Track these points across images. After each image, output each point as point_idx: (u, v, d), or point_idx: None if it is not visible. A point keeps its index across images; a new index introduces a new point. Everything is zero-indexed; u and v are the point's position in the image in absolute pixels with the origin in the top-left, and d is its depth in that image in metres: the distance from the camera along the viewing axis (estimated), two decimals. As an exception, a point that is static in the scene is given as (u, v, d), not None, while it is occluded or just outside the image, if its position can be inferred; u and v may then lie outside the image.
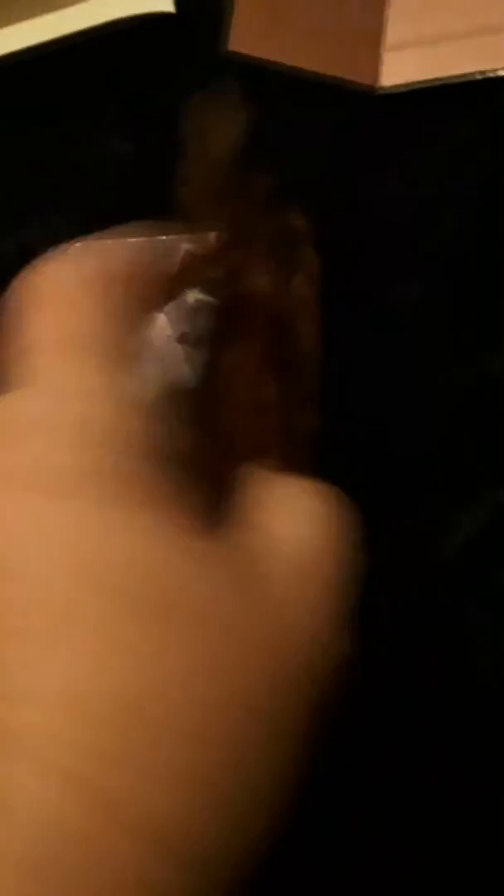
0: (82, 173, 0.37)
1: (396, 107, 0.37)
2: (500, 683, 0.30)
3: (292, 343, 0.25)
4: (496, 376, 0.33)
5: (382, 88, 0.38)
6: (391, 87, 0.38)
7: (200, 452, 0.18)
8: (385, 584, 0.30)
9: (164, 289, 0.23)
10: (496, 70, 0.37)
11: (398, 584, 0.31)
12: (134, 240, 0.24)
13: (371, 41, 0.38)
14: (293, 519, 0.17)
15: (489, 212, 0.36)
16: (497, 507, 0.31)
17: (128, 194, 0.37)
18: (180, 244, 0.25)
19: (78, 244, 0.35)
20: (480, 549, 0.31)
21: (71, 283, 0.20)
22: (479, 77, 0.37)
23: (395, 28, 0.39)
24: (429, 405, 0.33)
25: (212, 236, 0.24)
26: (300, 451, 0.22)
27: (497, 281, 0.34)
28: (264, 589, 0.16)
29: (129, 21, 0.36)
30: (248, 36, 0.37)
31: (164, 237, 0.25)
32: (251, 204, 0.28)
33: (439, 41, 0.38)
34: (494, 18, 0.38)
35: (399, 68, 0.38)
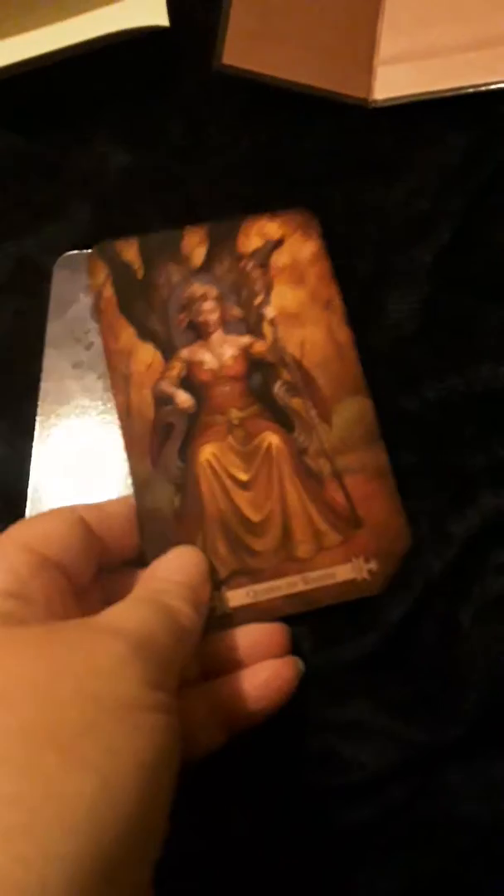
0: (79, 184, 0.37)
1: (389, 120, 0.38)
2: (493, 689, 0.30)
3: None
4: (487, 384, 0.33)
5: (375, 102, 0.38)
6: (384, 101, 0.38)
7: None
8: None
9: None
10: (488, 84, 0.37)
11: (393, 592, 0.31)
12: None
13: (364, 55, 0.39)
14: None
15: (482, 225, 0.36)
16: (493, 511, 0.32)
17: (124, 205, 0.37)
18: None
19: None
20: (475, 554, 0.31)
21: None
22: (471, 91, 0.37)
23: (388, 42, 0.39)
24: (421, 412, 0.33)
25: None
26: None
27: (489, 292, 0.35)
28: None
29: (125, 35, 0.36)
30: (241, 50, 0.36)
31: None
32: None
33: (432, 55, 0.38)
34: (487, 32, 0.38)
35: (392, 82, 0.38)
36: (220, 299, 0.34)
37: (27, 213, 0.37)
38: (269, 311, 0.33)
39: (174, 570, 0.28)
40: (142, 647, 0.23)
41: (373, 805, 0.29)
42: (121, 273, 0.33)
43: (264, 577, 0.30)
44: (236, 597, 0.30)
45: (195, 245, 0.34)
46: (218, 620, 0.29)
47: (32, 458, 0.33)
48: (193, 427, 0.32)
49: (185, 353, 0.33)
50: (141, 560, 0.30)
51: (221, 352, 0.33)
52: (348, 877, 0.29)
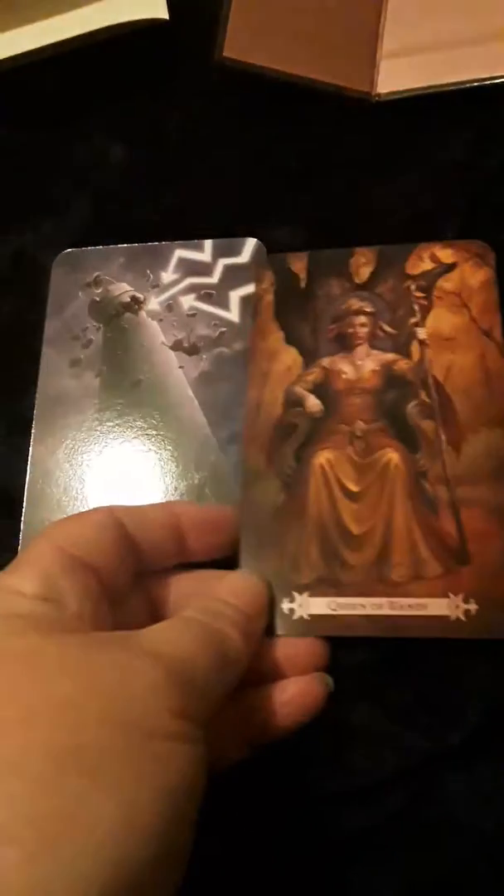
0: (76, 179, 0.37)
1: (392, 114, 0.36)
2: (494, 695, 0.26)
3: None
4: None
5: (379, 96, 0.37)
6: (387, 95, 0.36)
7: None
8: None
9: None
10: (493, 78, 0.35)
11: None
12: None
13: (367, 48, 0.37)
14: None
15: (485, 221, 0.33)
16: None
17: (123, 200, 0.37)
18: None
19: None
20: None
21: None
22: (475, 85, 0.35)
23: (392, 36, 0.38)
24: None
25: None
26: None
27: None
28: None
29: (125, 28, 0.36)
30: (242, 42, 0.36)
31: None
32: None
33: (435, 49, 0.36)
34: (491, 26, 0.36)
35: (395, 76, 0.36)
36: (374, 315, 0.33)
37: (25, 208, 0.37)
38: (422, 332, 0.32)
39: (234, 593, 0.27)
40: (179, 674, 0.22)
41: (372, 810, 0.27)
42: (285, 281, 0.35)
43: (350, 592, 0.28)
44: (317, 605, 0.29)
45: (362, 264, 0.34)
46: (293, 624, 0.28)
47: (30, 456, 0.33)
48: (317, 432, 0.31)
49: (325, 361, 0.33)
50: (233, 553, 0.30)
51: (362, 364, 0.32)
52: (346, 882, 0.26)
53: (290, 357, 0.33)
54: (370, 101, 0.37)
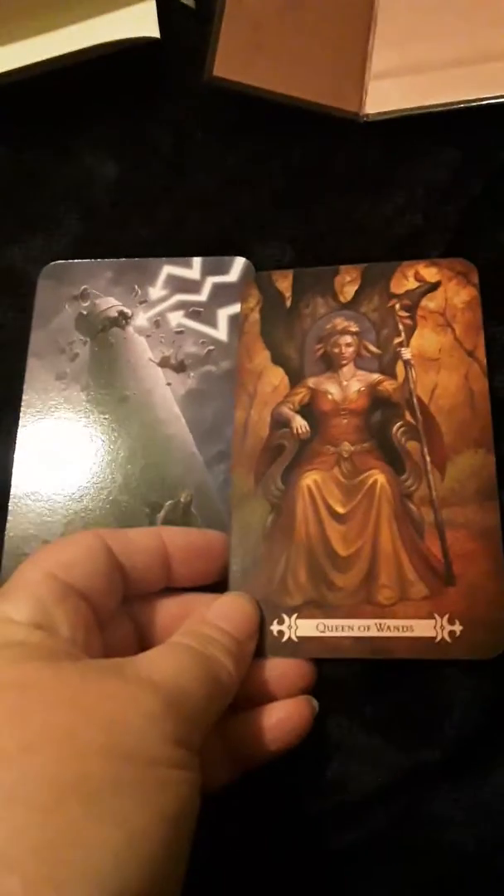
0: (67, 195, 0.38)
1: (380, 135, 0.36)
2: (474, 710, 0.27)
3: None
4: None
5: (367, 116, 0.37)
6: (375, 115, 0.37)
7: None
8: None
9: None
10: (480, 99, 0.35)
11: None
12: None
13: (355, 69, 0.37)
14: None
15: (472, 241, 0.34)
16: None
17: (112, 217, 0.37)
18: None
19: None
20: None
21: None
22: (462, 106, 0.35)
23: (380, 56, 0.38)
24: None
25: None
26: None
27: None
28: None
29: (116, 46, 0.36)
30: (232, 62, 0.36)
31: None
32: None
33: (424, 70, 0.37)
34: (478, 48, 0.36)
35: (383, 96, 0.37)
36: (359, 335, 0.34)
37: (14, 223, 0.37)
38: (406, 353, 0.33)
39: (225, 618, 0.27)
40: (175, 703, 0.22)
41: (355, 828, 0.27)
42: (270, 300, 0.35)
43: (338, 614, 0.29)
44: (305, 627, 0.29)
45: (347, 282, 0.35)
46: (282, 647, 0.29)
47: (14, 469, 0.33)
48: (303, 453, 0.32)
49: (311, 381, 0.33)
50: (222, 574, 0.30)
51: (348, 385, 0.33)
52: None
53: (276, 377, 0.33)
54: (358, 122, 0.37)
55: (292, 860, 0.28)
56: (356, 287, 0.34)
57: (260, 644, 0.29)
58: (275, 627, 0.29)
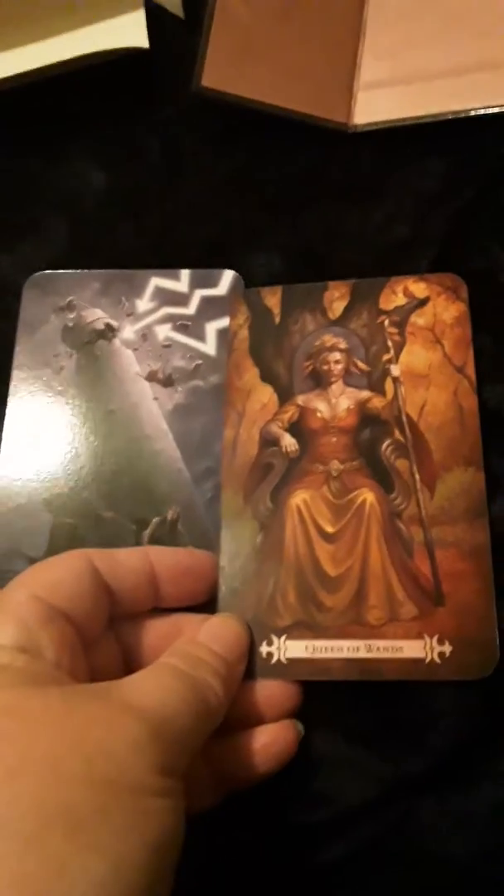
0: (55, 203, 0.38)
1: (369, 145, 0.36)
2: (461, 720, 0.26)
3: None
4: None
5: (355, 127, 0.37)
6: (364, 126, 0.37)
7: None
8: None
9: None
10: (468, 110, 0.35)
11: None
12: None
13: (344, 79, 0.37)
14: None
15: (462, 251, 0.34)
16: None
17: (100, 226, 0.37)
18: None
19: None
20: None
21: None
22: (451, 117, 0.35)
23: (369, 66, 0.38)
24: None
25: None
26: None
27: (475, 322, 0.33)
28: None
29: (105, 55, 0.36)
30: (221, 72, 0.36)
31: None
32: None
33: (413, 81, 0.37)
34: (468, 59, 0.36)
35: (372, 107, 0.37)
36: (348, 352, 0.33)
37: (2, 230, 0.37)
38: (395, 369, 0.33)
39: (214, 639, 0.27)
40: (162, 730, 0.22)
41: (343, 841, 0.27)
42: (259, 317, 0.35)
43: (327, 635, 0.29)
44: (294, 648, 0.29)
45: (336, 298, 0.34)
46: (271, 669, 0.29)
47: None
48: (292, 471, 0.32)
49: (300, 399, 0.33)
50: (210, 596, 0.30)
51: (337, 402, 0.33)
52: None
53: (265, 395, 0.33)
54: (347, 132, 0.37)
55: (280, 873, 0.28)
56: (345, 303, 0.34)
57: (249, 665, 0.29)
58: (264, 649, 0.29)
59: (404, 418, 0.32)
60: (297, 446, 0.32)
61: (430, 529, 0.30)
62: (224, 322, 0.35)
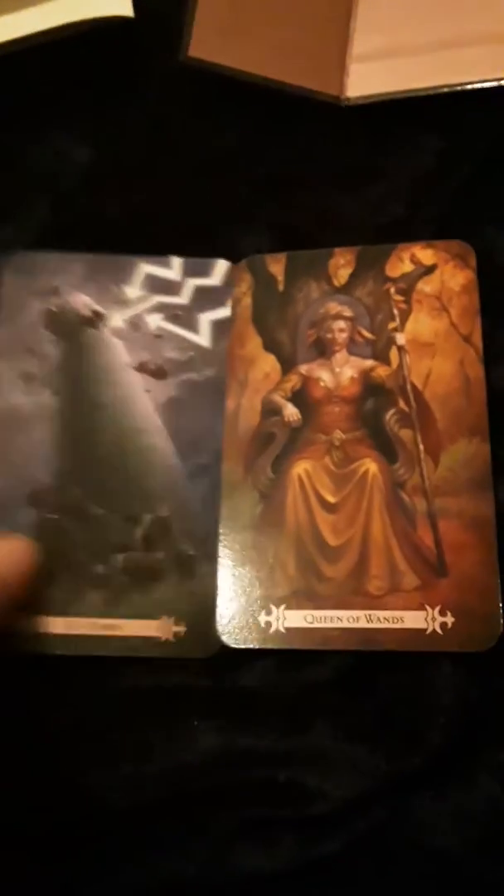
0: (39, 181, 0.36)
1: (362, 119, 0.35)
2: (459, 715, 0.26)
3: None
4: None
5: (348, 100, 0.36)
6: (357, 99, 0.35)
7: None
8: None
9: None
10: (464, 84, 0.34)
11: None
12: None
13: (337, 51, 0.36)
14: None
15: (458, 227, 0.33)
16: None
17: (85, 203, 0.35)
18: None
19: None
20: None
21: None
22: (446, 91, 0.34)
23: (362, 39, 0.36)
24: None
25: None
26: None
27: None
28: None
29: (88, 24, 0.35)
30: (209, 42, 0.34)
31: None
32: None
33: (407, 53, 0.35)
34: (463, 31, 0.35)
35: (365, 80, 0.36)
36: (353, 320, 0.33)
37: None
38: (401, 338, 0.32)
39: None
40: None
41: (339, 836, 0.27)
42: (263, 285, 0.34)
43: (327, 605, 0.28)
44: (293, 618, 0.29)
45: (341, 265, 0.34)
46: (270, 637, 0.28)
47: None
48: (294, 441, 0.31)
49: (303, 368, 0.32)
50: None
51: (341, 371, 0.32)
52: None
53: (268, 364, 0.33)
54: (340, 106, 0.36)
55: (276, 868, 0.27)
56: (350, 270, 0.34)
57: (245, 635, 0.28)
58: (262, 618, 0.29)
59: (409, 388, 0.31)
60: (299, 416, 0.32)
61: (433, 500, 0.29)
62: (218, 313, 0.34)
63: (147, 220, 0.36)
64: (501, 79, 0.34)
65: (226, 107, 0.37)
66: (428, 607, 0.28)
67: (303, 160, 0.36)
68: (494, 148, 0.35)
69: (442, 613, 0.28)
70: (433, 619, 0.28)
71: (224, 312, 0.34)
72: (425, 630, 0.27)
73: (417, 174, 0.35)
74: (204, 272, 0.34)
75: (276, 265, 0.34)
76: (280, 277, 0.34)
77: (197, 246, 0.34)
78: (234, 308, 0.34)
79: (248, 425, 0.32)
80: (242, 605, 0.29)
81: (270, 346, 0.33)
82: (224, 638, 0.28)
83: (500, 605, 0.27)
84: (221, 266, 0.34)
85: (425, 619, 0.28)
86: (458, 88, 0.34)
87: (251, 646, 0.28)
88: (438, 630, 0.27)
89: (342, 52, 0.37)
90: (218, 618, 0.29)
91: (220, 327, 0.34)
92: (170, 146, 0.37)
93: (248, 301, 0.34)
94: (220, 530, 0.30)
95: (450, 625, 0.27)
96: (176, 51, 0.35)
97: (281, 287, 0.34)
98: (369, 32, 0.37)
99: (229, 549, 0.30)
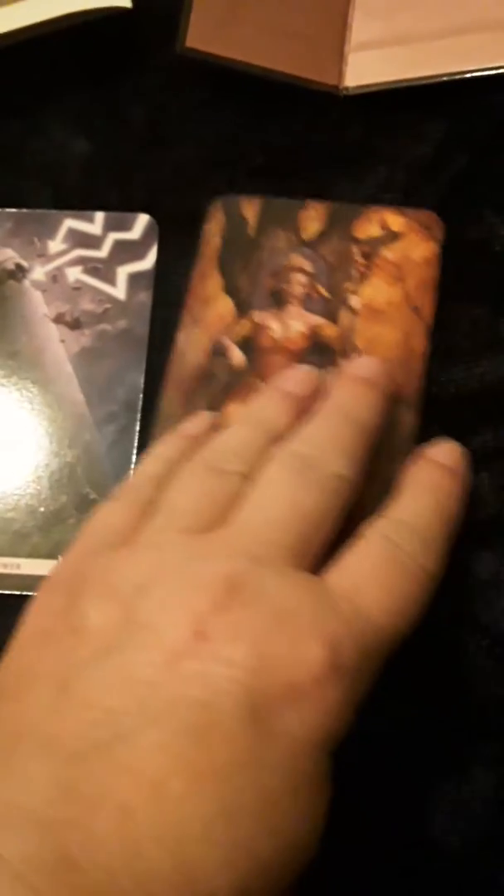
0: (37, 172, 0.36)
1: (361, 109, 0.35)
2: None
3: None
4: (457, 387, 0.31)
5: (346, 89, 0.36)
6: (355, 89, 0.35)
7: None
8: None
9: None
10: (464, 72, 0.34)
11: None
12: None
13: (335, 40, 0.36)
14: None
15: (456, 217, 0.33)
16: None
17: (84, 194, 0.36)
18: None
19: None
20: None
21: None
22: (446, 79, 0.34)
23: (360, 28, 0.36)
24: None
25: None
26: None
27: (462, 291, 0.32)
28: None
29: (85, 16, 0.35)
30: (206, 33, 0.34)
31: None
32: None
33: (406, 42, 0.35)
34: (463, 19, 0.35)
35: (364, 69, 0.35)
36: (312, 276, 0.33)
37: None
38: (355, 301, 0.33)
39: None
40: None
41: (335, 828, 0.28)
42: (234, 227, 0.35)
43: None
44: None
45: (312, 219, 0.34)
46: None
47: None
48: (233, 384, 0.32)
49: (257, 315, 0.33)
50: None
51: (291, 324, 0.33)
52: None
53: (224, 306, 0.34)
54: (338, 95, 0.36)
55: None
56: (319, 226, 0.34)
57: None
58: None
59: (351, 351, 0.32)
60: (244, 360, 0.33)
61: (353, 462, 0.30)
62: (136, 266, 0.34)
63: (144, 208, 0.36)
64: (501, 67, 0.34)
65: (223, 97, 0.37)
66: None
67: (299, 148, 0.36)
68: (495, 136, 0.35)
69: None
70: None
71: (142, 266, 0.35)
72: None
73: (415, 163, 0.35)
74: (125, 226, 0.35)
75: (250, 209, 0.35)
76: (252, 222, 0.35)
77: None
78: (201, 246, 0.35)
79: (195, 363, 0.33)
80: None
81: (230, 289, 0.34)
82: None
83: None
84: (142, 220, 0.35)
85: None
86: (459, 77, 0.34)
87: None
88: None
89: (340, 41, 0.37)
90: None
91: (136, 280, 0.34)
92: (167, 137, 0.37)
93: (216, 241, 0.35)
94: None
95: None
96: (174, 42, 0.35)
97: (251, 232, 0.35)
98: (368, 21, 0.37)
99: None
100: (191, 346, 0.33)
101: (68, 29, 0.36)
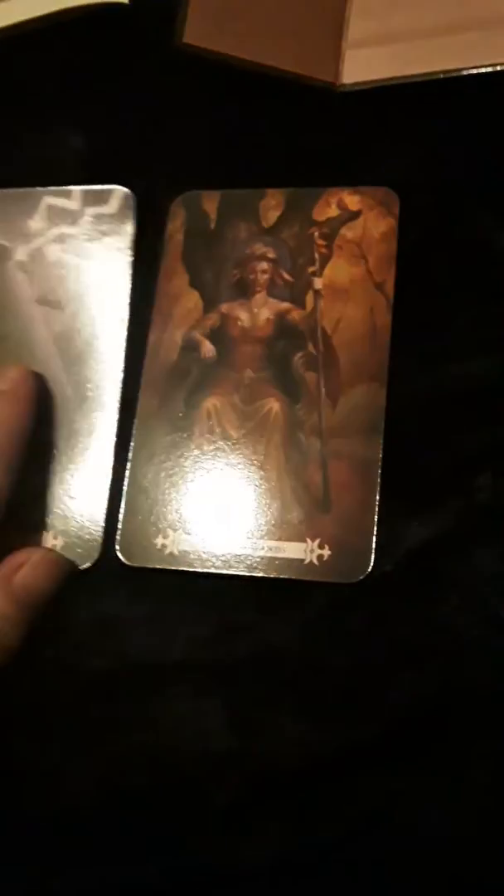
0: (36, 168, 0.36)
1: (357, 105, 0.35)
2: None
3: None
4: (455, 383, 0.31)
5: (343, 86, 0.35)
6: (352, 85, 0.35)
7: None
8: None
9: None
10: (460, 70, 0.34)
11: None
12: None
13: (332, 37, 0.36)
14: None
15: (452, 215, 0.33)
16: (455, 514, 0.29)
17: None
18: None
19: None
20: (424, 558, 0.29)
21: None
22: (442, 77, 0.34)
23: (357, 24, 0.36)
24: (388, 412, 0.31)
25: None
26: None
27: (459, 289, 0.32)
28: None
29: (83, 11, 0.35)
30: (204, 29, 0.35)
31: None
32: None
33: (403, 39, 0.35)
34: (460, 16, 0.34)
35: (361, 66, 0.35)
36: (275, 262, 0.34)
37: None
38: (318, 282, 0.33)
39: (25, 589, 0.29)
40: None
41: (331, 828, 0.28)
42: (196, 222, 0.35)
43: (219, 532, 0.31)
44: (186, 542, 0.31)
45: (272, 206, 0.35)
46: (164, 559, 0.31)
47: None
48: (207, 378, 0.33)
49: (224, 307, 0.34)
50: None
51: (258, 312, 0.33)
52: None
53: (191, 301, 0.34)
54: (334, 92, 0.36)
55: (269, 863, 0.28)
56: (279, 213, 0.35)
57: (142, 555, 0.31)
58: (159, 541, 0.31)
59: (319, 332, 0.32)
60: (214, 353, 0.33)
61: (328, 441, 0.31)
62: (113, 240, 0.35)
63: (142, 204, 0.36)
64: (498, 64, 0.34)
65: (220, 94, 0.37)
66: (308, 540, 0.30)
67: (295, 145, 0.36)
68: (490, 134, 0.35)
69: (321, 546, 0.30)
70: (312, 550, 0.30)
71: (120, 240, 0.35)
72: (303, 560, 0.30)
73: (412, 160, 0.35)
74: (102, 201, 0.36)
75: (210, 203, 0.35)
76: (213, 216, 0.35)
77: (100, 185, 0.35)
78: (165, 244, 0.35)
79: (168, 359, 0.34)
80: (139, 526, 0.31)
81: (196, 283, 0.34)
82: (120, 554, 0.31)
83: (374, 542, 0.30)
84: (118, 193, 0.35)
85: (304, 551, 0.30)
86: (454, 74, 0.34)
87: (145, 565, 0.31)
88: (315, 561, 0.30)
89: (337, 38, 0.37)
90: (118, 537, 0.31)
91: (114, 255, 0.35)
92: (165, 133, 0.37)
93: (179, 238, 0.35)
94: (129, 457, 0.32)
95: (326, 557, 0.30)
96: (171, 37, 0.35)
97: (212, 225, 0.35)
98: (365, 18, 0.37)
99: (137, 476, 0.32)
100: (163, 344, 0.34)
101: (66, 24, 0.36)
